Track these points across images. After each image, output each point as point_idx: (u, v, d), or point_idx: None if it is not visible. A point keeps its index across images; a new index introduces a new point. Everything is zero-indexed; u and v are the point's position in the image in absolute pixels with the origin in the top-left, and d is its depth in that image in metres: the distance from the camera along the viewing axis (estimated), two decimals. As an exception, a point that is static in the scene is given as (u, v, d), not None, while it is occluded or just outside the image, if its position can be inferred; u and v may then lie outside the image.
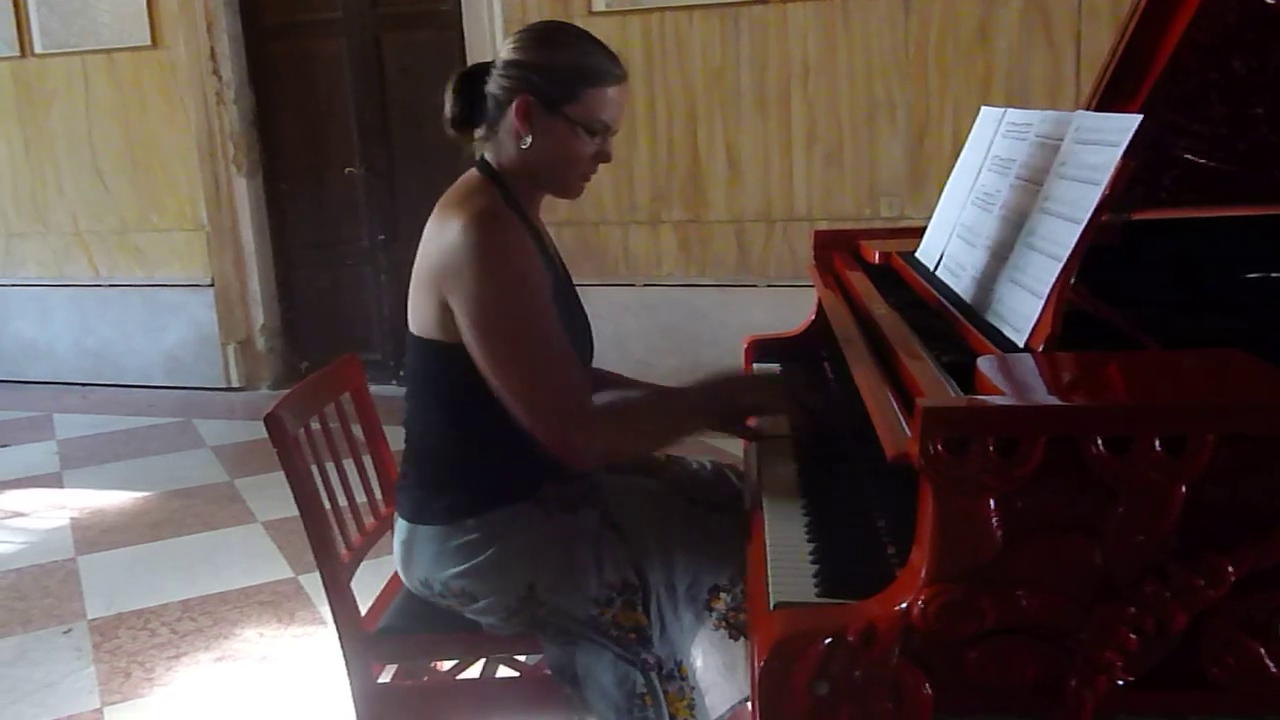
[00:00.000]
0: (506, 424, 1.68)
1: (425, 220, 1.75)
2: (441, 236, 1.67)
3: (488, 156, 1.77)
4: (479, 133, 1.77)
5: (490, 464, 1.75)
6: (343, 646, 1.79)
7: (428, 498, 1.78)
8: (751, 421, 1.86)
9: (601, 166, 1.77)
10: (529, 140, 1.70)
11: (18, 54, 5.67)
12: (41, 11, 5.57)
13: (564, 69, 1.68)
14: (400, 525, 1.82)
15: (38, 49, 5.64)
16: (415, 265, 1.73)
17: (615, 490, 1.83)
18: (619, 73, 1.72)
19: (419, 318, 1.73)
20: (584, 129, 1.70)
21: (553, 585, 1.71)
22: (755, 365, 2.36)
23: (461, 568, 1.72)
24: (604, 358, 1.98)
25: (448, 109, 1.76)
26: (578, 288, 1.91)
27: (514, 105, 1.68)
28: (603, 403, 1.78)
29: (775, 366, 2.31)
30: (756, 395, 1.81)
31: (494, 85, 1.71)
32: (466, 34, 4.99)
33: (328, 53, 5.43)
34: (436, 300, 1.68)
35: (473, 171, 1.78)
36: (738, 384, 1.85)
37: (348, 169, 5.47)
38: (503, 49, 1.73)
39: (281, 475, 1.79)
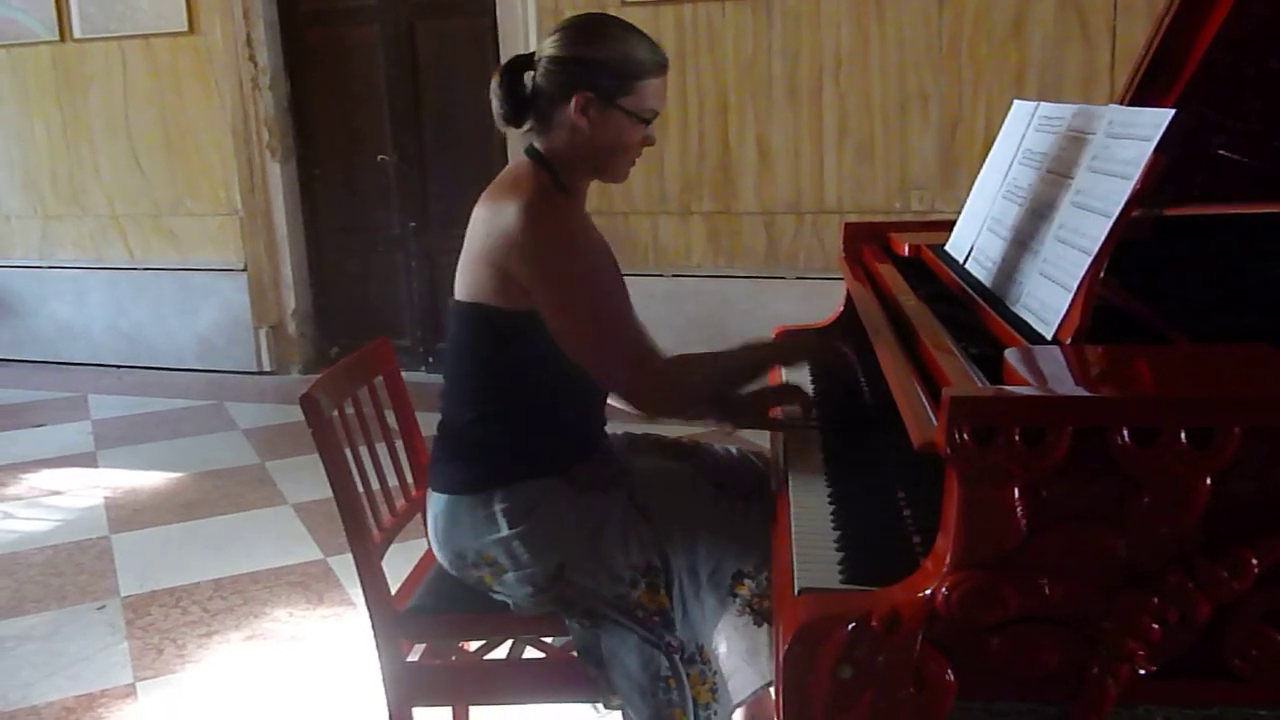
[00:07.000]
0: (540, 398, 1.76)
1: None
2: (498, 218, 1.72)
3: (537, 145, 1.80)
4: (527, 125, 1.81)
5: (520, 437, 1.79)
6: (373, 624, 1.82)
7: (461, 469, 1.81)
8: (775, 411, 1.88)
9: None
10: (587, 132, 1.74)
11: (57, 39, 5.74)
12: (81, -3, 5.65)
13: (618, 63, 1.73)
14: (434, 499, 1.85)
15: (77, 34, 5.71)
16: (467, 241, 1.78)
17: (643, 474, 1.86)
18: (664, 61, 1.78)
19: (472, 285, 1.76)
20: (638, 118, 1.76)
21: (581, 565, 1.73)
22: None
23: (494, 538, 1.75)
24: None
25: (497, 106, 1.80)
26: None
27: (573, 101, 1.72)
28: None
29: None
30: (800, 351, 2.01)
31: (545, 81, 1.75)
32: (500, 21, 5.01)
33: (362, 40, 5.47)
34: (494, 269, 1.72)
35: (522, 159, 1.82)
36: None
37: (380, 156, 5.50)
38: (547, 44, 1.77)
39: (312, 458, 1.82)
